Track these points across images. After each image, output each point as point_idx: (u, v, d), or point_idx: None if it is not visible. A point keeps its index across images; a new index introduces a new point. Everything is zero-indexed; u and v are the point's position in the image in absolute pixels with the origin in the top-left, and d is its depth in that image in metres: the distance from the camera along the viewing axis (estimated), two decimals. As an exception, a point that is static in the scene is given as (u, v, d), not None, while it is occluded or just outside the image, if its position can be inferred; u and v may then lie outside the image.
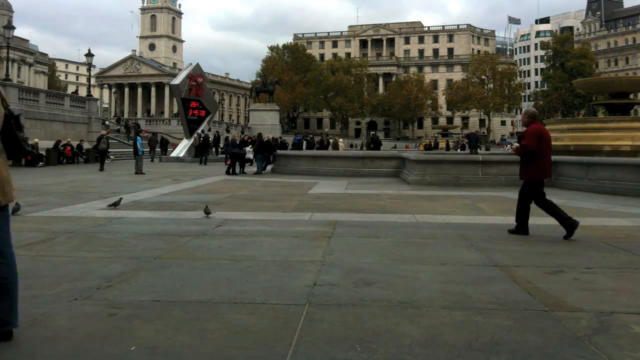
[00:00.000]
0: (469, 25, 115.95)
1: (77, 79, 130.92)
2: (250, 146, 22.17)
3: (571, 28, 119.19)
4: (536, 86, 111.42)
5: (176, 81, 34.41)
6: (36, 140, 25.27)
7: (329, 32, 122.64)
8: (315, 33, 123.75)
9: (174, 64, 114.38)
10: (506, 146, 61.07)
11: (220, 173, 20.68)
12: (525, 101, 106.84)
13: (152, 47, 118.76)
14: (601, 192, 12.85)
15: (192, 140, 32.20)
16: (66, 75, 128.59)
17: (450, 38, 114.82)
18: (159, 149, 34.90)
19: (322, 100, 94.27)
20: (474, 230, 7.78)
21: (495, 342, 3.44)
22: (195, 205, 10.43)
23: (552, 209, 7.25)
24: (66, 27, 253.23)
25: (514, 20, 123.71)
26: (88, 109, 34.72)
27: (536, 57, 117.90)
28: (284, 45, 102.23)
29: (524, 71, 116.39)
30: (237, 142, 22.00)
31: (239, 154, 21.35)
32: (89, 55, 36.96)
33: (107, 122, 48.43)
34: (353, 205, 10.85)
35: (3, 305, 3.40)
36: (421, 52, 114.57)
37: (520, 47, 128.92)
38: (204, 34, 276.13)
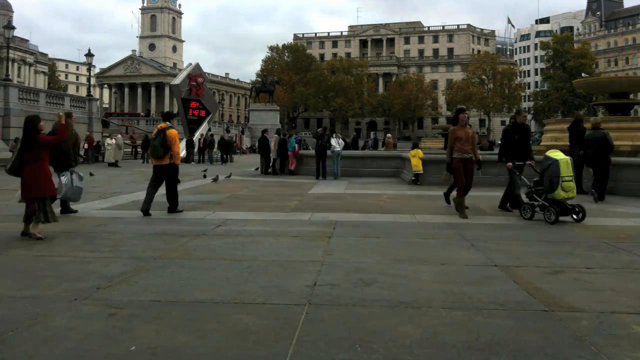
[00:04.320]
0: (469, 25, 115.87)
1: (77, 79, 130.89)
2: None
3: (571, 28, 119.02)
4: (536, 86, 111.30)
5: (176, 81, 34.46)
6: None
7: (329, 32, 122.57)
8: (315, 33, 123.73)
9: (174, 64, 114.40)
10: None
11: (220, 173, 20.61)
12: (525, 101, 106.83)
13: (152, 47, 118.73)
14: (601, 192, 12.81)
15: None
16: (66, 75, 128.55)
17: (450, 38, 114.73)
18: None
19: (322, 101, 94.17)
20: (474, 230, 7.78)
21: (496, 342, 3.44)
22: (195, 206, 10.43)
23: None
24: (67, 27, 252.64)
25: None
26: (88, 109, 34.71)
27: (536, 57, 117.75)
28: (283, 45, 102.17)
29: (524, 71, 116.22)
30: None
31: None
32: (89, 55, 36.94)
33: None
34: (353, 205, 10.84)
35: None
36: (421, 52, 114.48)
37: (520, 47, 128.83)
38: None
